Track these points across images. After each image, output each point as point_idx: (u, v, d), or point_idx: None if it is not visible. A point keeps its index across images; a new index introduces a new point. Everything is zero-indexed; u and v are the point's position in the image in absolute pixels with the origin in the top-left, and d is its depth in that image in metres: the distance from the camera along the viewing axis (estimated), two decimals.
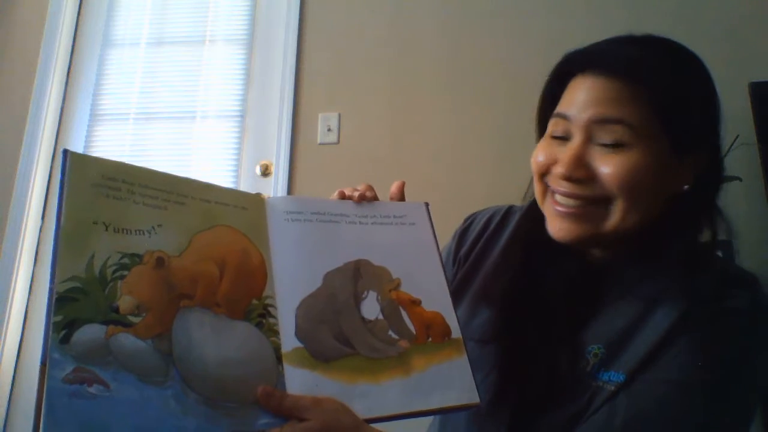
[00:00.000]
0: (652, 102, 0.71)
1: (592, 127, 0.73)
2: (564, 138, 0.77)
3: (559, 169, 0.75)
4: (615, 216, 0.73)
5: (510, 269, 0.87)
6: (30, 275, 2.37)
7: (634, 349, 0.73)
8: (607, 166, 0.72)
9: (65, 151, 0.62)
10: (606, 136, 0.72)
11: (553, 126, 0.78)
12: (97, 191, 0.62)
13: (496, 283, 0.88)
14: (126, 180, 0.65)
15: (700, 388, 0.69)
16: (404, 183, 0.88)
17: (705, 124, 0.76)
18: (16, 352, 2.29)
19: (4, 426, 2.18)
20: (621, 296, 0.77)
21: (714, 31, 2.14)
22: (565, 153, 0.75)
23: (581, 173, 0.73)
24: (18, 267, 2.32)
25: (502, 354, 0.82)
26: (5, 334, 2.24)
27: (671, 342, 0.71)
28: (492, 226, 0.97)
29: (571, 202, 0.75)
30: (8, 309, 2.27)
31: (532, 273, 0.84)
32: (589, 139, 0.74)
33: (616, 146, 0.72)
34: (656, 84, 0.72)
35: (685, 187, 0.75)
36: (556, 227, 0.78)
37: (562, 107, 0.77)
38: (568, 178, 0.74)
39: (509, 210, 0.98)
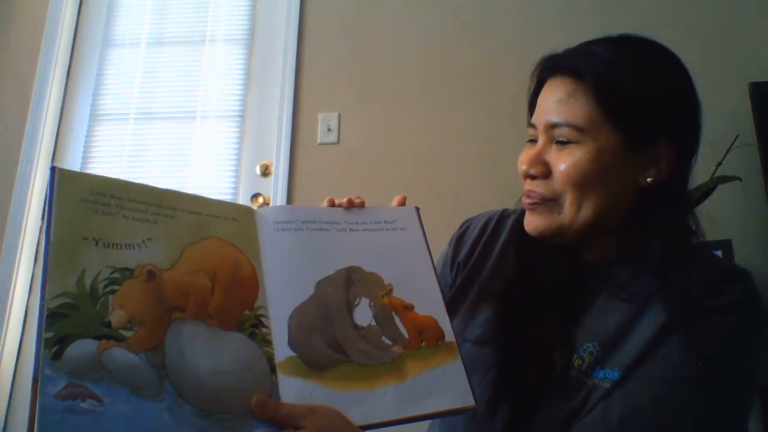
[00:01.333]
0: (596, 96, 0.75)
1: (549, 130, 0.79)
2: (536, 141, 0.82)
3: (521, 167, 0.81)
4: (567, 209, 0.78)
5: (506, 271, 0.88)
6: (30, 275, 2.37)
7: (629, 347, 0.73)
8: (557, 163, 0.77)
9: (53, 168, 0.62)
10: (558, 135, 0.78)
11: (530, 132, 0.84)
12: (86, 207, 0.62)
13: (493, 285, 0.89)
14: (115, 195, 0.65)
15: (695, 385, 0.70)
16: (405, 198, 0.89)
17: (662, 116, 0.76)
18: (16, 352, 2.29)
19: (4, 427, 2.19)
20: (610, 295, 0.78)
21: (714, 32, 2.13)
22: (528, 153, 0.81)
23: (537, 170, 0.79)
24: (18, 267, 2.32)
25: (499, 353, 0.83)
26: (5, 334, 2.25)
27: (665, 339, 0.72)
28: (488, 231, 0.98)
29: (532, 195, 0.81)
30: (8, 309, 2.27)
31: (528, 274, 0.85)
32: (550, 140, 0.79)
33: (565, 144, 0.77)
34: (597, 77, 0.75)
35: (648, 180, 0.77)
36: (526, 221, 0.83)
37: (533, 115, 0.84)
38: (526, 175, 0.81)
39: (503, 214, 0.99)
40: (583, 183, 0.76)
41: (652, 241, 0.77)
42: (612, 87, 0.75)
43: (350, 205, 0.83)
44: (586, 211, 0.77)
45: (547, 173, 0.79)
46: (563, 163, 0.76)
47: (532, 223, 0.81)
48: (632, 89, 0.75)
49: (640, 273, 0.77)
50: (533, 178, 0.80)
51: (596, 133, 0.75)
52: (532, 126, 0.82)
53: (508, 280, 0.87)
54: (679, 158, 0.78)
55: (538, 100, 0.83)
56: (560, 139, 0.77)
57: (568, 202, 0.77)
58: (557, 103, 0.78)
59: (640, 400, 0.70)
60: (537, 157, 0.79)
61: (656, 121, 0.76)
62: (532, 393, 0.77)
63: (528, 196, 0.81)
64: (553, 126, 0.78)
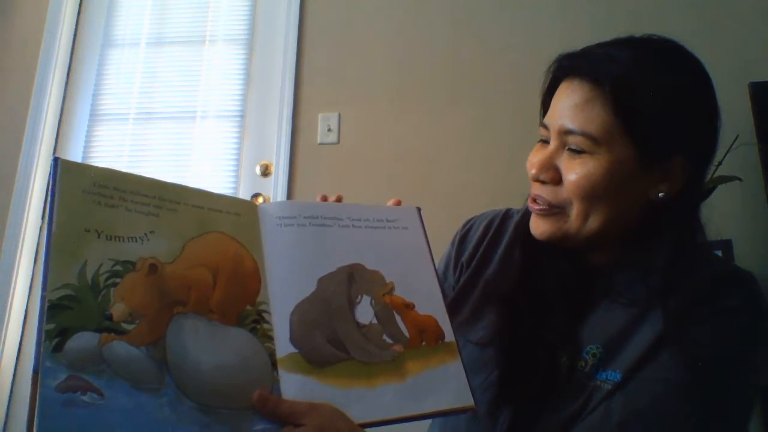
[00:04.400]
0: (614, 105, 0.72)
1: (562, 136, 0.76)
2: (547, 142, 0.80)
3: (531, 171, 0.79)
4: (574, 219, 0.77)
5: (510, 272, 0.88)
6: (30, 275, 2.37)
7: (631, 349, 0.73)
8: (568, 172, 0.75)
9: (56, 159, 0.61)
10: (572, 142, 0.75)
11: (541, 132, 0.81)
12: (89, 198, 0.62)
13: (497, 286, 0.89)
14: (117, 187, 0.64)
15: (696, 388, 0.69)
16: (400, 201, 0.89)
17: (681, 131, 0.74)
18: (16, 352, 2.29)
19: (4, 427, 2.19)
20: (614, 298, 0.78)
21: (714, 31, 2.13)
22: (539, 156, 0.79)
23: (548, 175, 0.77)
24: (18, 267, 2.32)
25: (502, 355, 0.82)
26: (5, 334, 2.25)
27: (667, 342, 0.71)
28: (492, 231, 0.97)
29: (540, 201, 0.79)
30: (8, 309, 2.27)
31: (532, 275, 0.85)
32: (562, 145, 0.77)
33: (578, 153, 0.75)
34: (616, 84, 0.72)
35: (660, 194, 0.76)
36: (532, 225, 0.82)
37: (546, 116, 0.81)
38: (536, 179, 0.79)
39: (507, 213, 0.98)
40: (593, 195, 0.74)
41: (657, 252, 0.76)
42: (631, 97, 0.72)
43: (338, 201, 0.84)
44: (593, 222, 0.76)
45: (557, 179, 0.77)
46: (574, 173, 0.74)
47: (539, 227, 0.80)
48: (652, 101, 0.72)
49: (643, 277, 0.76)
50: (542, 183, 0.78)
51: (611, 145, 0.72)
52: (545, 126, 0.80)
53: (513, 282, 0.86)
54: (694, 172, 0.76)
55: (553, 101, 0.80)
56: (573, 147, 0.75)
57: (575, 212, 0.76)
58: (573, 108, 0.75)
59: (641, 401, 0.70)
60: (548, 162, 0.77)
61: (675, 136, 0.74)
62: (535, 394, 0.77)
63: (535, 202, 0.80)
64: (567, 132, 0.75)
